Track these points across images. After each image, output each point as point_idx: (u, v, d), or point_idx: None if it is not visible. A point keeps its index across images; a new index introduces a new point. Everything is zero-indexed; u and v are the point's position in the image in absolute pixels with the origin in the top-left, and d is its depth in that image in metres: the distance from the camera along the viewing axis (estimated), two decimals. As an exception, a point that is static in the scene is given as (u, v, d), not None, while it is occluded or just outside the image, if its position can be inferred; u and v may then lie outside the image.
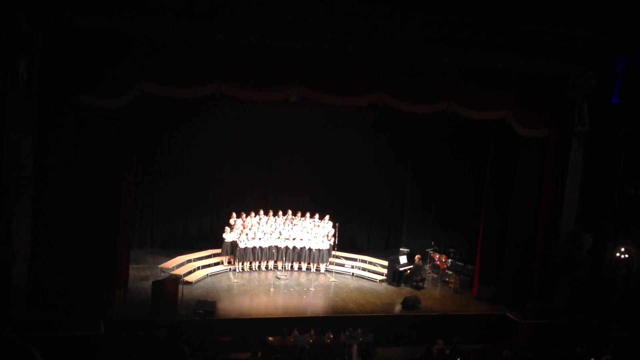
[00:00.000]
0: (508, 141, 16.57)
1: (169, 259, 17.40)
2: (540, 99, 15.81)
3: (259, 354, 12.58)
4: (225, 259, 18.05)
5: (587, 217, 16.42)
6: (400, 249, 19.85)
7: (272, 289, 16.66)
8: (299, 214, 18.74)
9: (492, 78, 15.51)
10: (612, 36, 14.53)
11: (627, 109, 15.87)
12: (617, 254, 15.93)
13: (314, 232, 18.39)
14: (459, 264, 18.47)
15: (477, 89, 15.46)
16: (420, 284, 17.95)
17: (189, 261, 17.62)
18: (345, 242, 19.59)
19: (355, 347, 13.10)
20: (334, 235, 18.59)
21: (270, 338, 13.49)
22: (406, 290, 17.48)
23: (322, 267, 18.47)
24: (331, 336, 13.81)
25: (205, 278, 17.14)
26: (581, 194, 16.41)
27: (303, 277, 17.98)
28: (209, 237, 19.26)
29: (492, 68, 15.28)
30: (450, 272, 18.36)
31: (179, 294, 14.63)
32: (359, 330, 13.98)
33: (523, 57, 14.89)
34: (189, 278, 16.61)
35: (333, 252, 18.84)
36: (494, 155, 17.02)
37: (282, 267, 18.22)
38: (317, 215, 18.73)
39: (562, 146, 16.14)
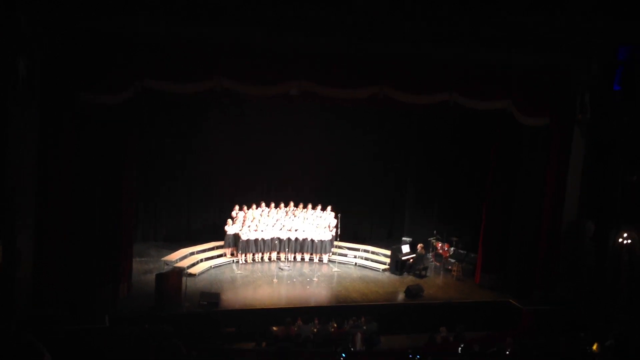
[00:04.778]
0: (511, 130, 16.52)
1: (173, 252, 17.45)
2: (542, 87, 15.75)
3: (264, 344, 12.65)
4: (228, 251, 18.09)
5: (590, 204, 16.43)
6: (403, 238, 19.87)
7: (275, 280, 16.72)
8: (301, 206, 18.79)
9: (493, 67, 15.44)
10: (613, 25, 14.42)
11: (629, 96, 15.81)
12: (620, 240, 15.95)
13: (316, 223, 18.43)
14: (462, 252, 18.51)
15: (478, 79, 15.38)
16: (423, 272, 18.00)
17: (192, 254, 17.68)
18: (348, 232, 19.63)
19: (359, 336, 13.16)
20: (336, 226, 18.62)
21: (274, 328, 13.53)
22: (409, 279, 17.53)
23: (325, 257, 18.51)
24: (335, 325, 13.85)
25: (208, 270, 17.20)
26: (584, 181, 16.40)
27: (306, 268, 18.02)
28: (212, 229, 19.28)
29: (493, 58, 15.20)
30: (452, 261, 18.38)
31: (183, 287, 14.66)
32: (363, 320, 14.02)
33: (525, 47, 14.80)
34: (192, 270, 16.67)
35: (336, 243, 18.89)
36: (498, 144, 17.01)
37: (284, 258, 18.27)
38: (319, 207, 18.77)
39: (564, 134, 16.08)
